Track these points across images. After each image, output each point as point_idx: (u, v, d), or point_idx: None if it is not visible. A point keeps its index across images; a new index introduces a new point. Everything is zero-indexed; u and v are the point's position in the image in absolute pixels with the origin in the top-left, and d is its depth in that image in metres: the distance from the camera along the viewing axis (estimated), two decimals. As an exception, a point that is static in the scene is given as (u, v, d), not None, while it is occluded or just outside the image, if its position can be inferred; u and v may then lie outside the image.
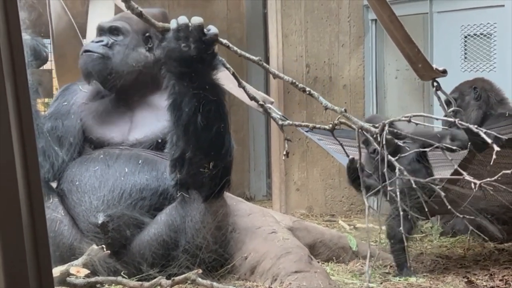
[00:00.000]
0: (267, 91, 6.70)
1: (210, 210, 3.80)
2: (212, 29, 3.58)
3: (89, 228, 3.72)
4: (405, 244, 4.31)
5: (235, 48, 3.58)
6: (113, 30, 4.15)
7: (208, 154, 3.70)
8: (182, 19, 3.58)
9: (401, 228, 4.06)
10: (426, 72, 4.00)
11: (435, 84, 4.13)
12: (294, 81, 3.73)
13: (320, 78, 6.47)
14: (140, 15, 3.49)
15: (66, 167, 3.88)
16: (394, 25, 4.08)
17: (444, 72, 4.06)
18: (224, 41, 3.61)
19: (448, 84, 4.22)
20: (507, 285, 3.92)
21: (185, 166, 3.73)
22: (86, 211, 3.74)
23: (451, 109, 4.13)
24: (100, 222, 3.70)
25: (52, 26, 4.88)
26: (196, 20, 3.57)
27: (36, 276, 1.60)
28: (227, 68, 3.66)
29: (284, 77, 3.70)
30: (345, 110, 3.45)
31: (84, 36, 5.04)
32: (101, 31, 4.14)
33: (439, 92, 4.15)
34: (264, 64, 3.57)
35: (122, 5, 5.31)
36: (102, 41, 4.07)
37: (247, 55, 3.61)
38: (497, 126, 5.26)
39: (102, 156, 3.88)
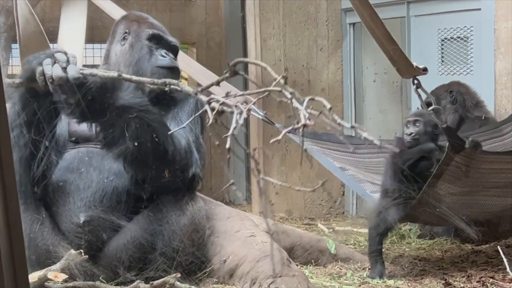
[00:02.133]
0: (246, 95, 6.70)
1: (186, 213, 3.80)
2: (70, 72, 3.34)
3: (71, 228, 3.71)
4: (382, 244, 4.37)
5: (100, 73, 3.40)
6: None
7: (159, 165, 3.69)
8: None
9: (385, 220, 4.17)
10: (407, 69, 4.04)
11: (415, 82, 4.16)
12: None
13: (299, 82, 6.49)
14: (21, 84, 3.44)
15: (52, 167, 3.85)
16: (375, 23, 4.11)
17: (424, 70, 4.10)
18: (89, 72, 3.37)
19: (425, 87, 4.24)
20: (484, 286, 3.94)
21: (146, 183, 3.73)
22: (69, 211, 3.73)
23: (432, 107, 4.16)
24: (81, 221, 3.69)
25: (19, 30, 4.85)
26: (55, 71, 3.34)
27: (12, 282, 1.60)
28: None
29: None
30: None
31: (55, 40, 5.03)
32: None
33: (419, 90, 4.19)
34: (125, 76, 3.38)
35: (99, 3, 5.33)
36: None
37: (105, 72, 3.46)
38: (475, 132, 5.34)
39: (86, 156, 3.86)
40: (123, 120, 3.53)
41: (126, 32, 4.22)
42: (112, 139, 3.57)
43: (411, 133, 4.29)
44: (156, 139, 3.61)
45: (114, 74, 3.28)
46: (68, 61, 3.38)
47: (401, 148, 4.33)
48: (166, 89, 2.98)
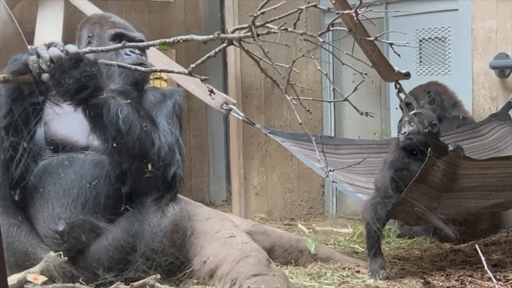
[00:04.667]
0: (225, 96, 6.70)
1: (167, 214, 3.80)
2: (70, 48, 3.43)
3: (49, 234, 3.70)
4: (380, 238, 4.38)
5: (100, 48, 3.52)
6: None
7: (144, 156, 3.69)
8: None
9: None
10: (389, 74, 4.05)
11: (397, 86, 4.17)
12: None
13: (278, 83, 6.49)
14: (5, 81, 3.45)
15: (30, 171, 3.84)
16: (357, 27, 4.11)
17: (407, 75, 4.10)
18: (88, 49, 3.52)
19: (403, 87, 4.26)
20: (463, 285, 3.97)
21: (129, 177, 3.73)
22: (48, 217, 3.71)
23: (413, 112, 4.17)
24: (60, 229, 3.68)
25: None
26: (52, 52, 3.40)
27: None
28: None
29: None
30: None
31: (32, 42, 5.01)
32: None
33: (401, 95, 4.20)
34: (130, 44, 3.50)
35: (78, 4, 5.32)
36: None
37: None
38: (454, 132, 5.37)
39: (66, 161, 3.85)
40: (117, 103, 3.55)
41: (90, 36, 4.24)
42: (104, 124, 3.58)
43: (405, 133, 4.29)
44: (145, 129, 3.63)
45: (117, 45, 3.40)
46: (63, 45, 3.44)
47: (395, 147, 4.36)
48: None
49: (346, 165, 5.16)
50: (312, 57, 3.24)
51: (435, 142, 4.23)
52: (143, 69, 3.55)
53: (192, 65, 3.22)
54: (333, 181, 4.50)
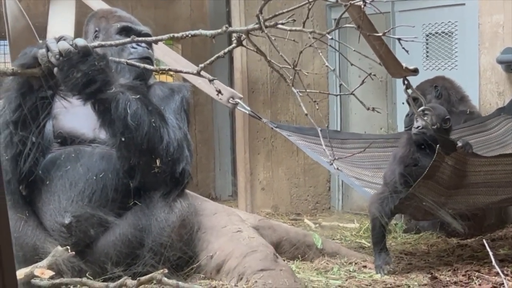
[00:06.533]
0: (231, 91, 6.70)
1: (175, 210, 3.80)
2: (79, 42, 3.45)
3: (56, 227, 3.70)
4: (386, 233, 4.39)
5: (109, 43, 3.55)
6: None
7: (153, 152, 3.68)
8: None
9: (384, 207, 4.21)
10: (397, 70, 4.05)
11: (405, 82, 4.16)
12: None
13: (284, 76, 6.49)
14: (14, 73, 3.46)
15: (38, 165, 3.84)
16: (364, 23, 4.10)
17: (414, 71, 4.10)
18: (97, 43, 3.55)
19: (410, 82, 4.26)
20: (470, 280, 3.97)
21: (137, 173, 3.72)
22: (54, 210, 3.71)
23: (421, 108, 4.17)
24: (67, 222, 3.68)
25: (8, 27, 4.84)
26: (61, 45, 3.42)
27: None
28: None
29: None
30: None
31: (44, 37, 5.01)
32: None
33: (409, 91, 4.19)
34: (138, 39, 3.52)
35: (86, 0, 5.33)
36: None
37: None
38: (461, 127, 5.36)
39: (74, 154, 3.85)
40: (126, 99, 3.55)
41: (96, 30, 4.25)
42: (113, 119, 3.57)
43: (418, 126, 4.31)
44: (154, 124, 3.63)
45: (126, 40, 3.41)
46: (72, 38, 3.46)
47: (406, 142, 4.36)
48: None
49: (353, 159, 5.16)
50: (320, 53, 3.23)
51: (444, 138, 4.23)
52: (151, 67, 3.54)
53: (201, 65, 3.21)
54: (338, 169, 4.50)
